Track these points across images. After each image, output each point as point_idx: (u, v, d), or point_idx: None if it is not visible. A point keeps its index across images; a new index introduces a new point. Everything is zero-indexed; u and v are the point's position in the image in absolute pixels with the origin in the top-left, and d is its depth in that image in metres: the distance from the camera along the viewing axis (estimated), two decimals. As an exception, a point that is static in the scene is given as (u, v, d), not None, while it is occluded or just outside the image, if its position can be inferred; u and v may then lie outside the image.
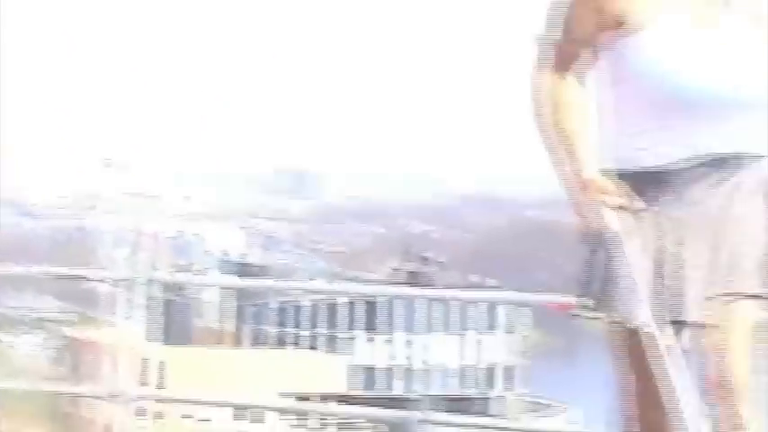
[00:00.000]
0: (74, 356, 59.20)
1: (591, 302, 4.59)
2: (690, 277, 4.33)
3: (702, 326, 4.30)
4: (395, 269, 72.10)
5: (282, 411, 47.75)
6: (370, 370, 63.53)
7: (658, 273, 4.38)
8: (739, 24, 4.39)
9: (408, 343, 62.17)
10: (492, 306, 57.78)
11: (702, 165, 4.37)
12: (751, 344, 4.34)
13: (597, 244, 4.50)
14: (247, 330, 65.60)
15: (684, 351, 4.30)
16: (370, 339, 64.06)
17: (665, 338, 4.28)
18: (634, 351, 4.46)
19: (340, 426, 50.47)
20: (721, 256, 4.35)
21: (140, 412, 33.55)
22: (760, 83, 4.36)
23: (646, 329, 4.31)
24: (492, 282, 66.25)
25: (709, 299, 4.28)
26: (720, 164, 4.37)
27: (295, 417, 49.48)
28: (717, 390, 4.30)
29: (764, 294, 4.34)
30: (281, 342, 64.55)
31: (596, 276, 4.61)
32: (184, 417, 50.00)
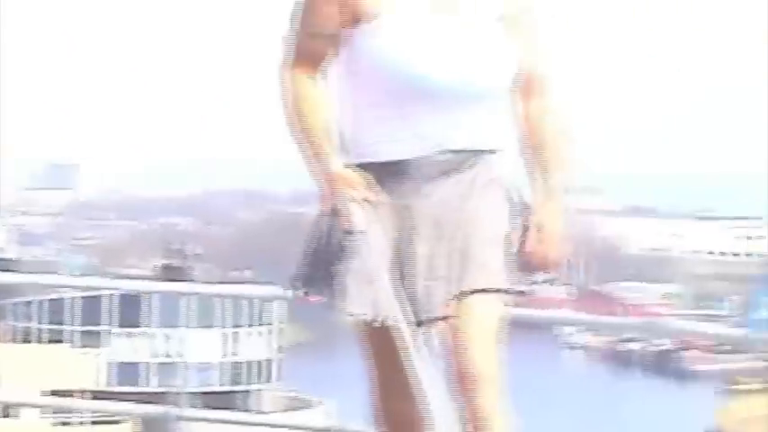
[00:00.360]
0: None
1: (303, 291, 4.48)
2: (430, 273, 4.26)
3: (444, 320, 4.18)
4: (155, 264, 72.94)
5: (36, 407, 47.23)
6: (129, 365, 63.39)
7: (400, 268, 4.28)
8: (479, 13, 4.32)
9: (167, 338, 62.54)
10: (251, 300, 58.52)
11: (440, 158, 4.32)
12: (497, 338, 4.23)
13: (329, 236, 4.42)
14: (5, 326, 64.37)
15: (431, 345, 4.24)
16: (130, 335, 64.01)
17: (409, 332, 4.18)
18: (379, 343, 4.37)
19: (96, 422, 50.58)
20: (457, 251, 4.28)
21: None
22: (496, 76, 4.32)
23: (389, 323, 4.21)
24: (250, 275, 68.54)
25: (449, 294, 4.19)
26: (458, 158, 4.33)
27: (52, 414, 49.29)
28: (460, 384, 4.18)
29: (506, 288, 4.26)
30: (40, 338, 63.73)
31: (324, 269, 4.52)
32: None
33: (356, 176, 4.23)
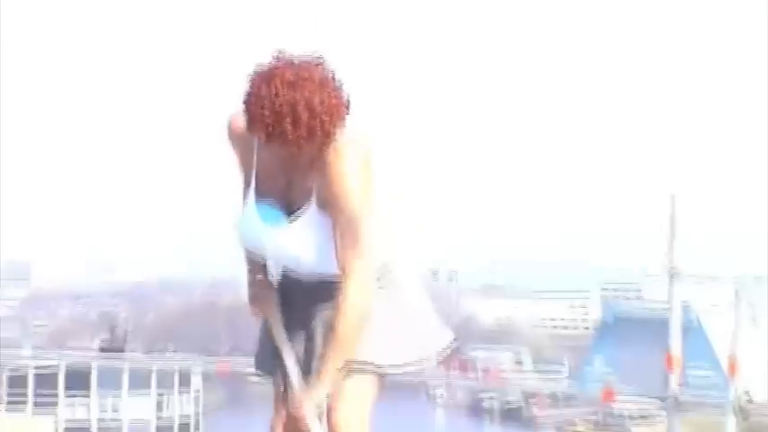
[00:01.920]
0: None
1: (260, 372, 4.81)
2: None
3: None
4: (94, 341, 78.73)
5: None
6: (77, 429, 66.11)
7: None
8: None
9: (104, 404, 66.18)
10: (177, 370, 62.96)
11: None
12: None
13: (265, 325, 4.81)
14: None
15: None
16: (73, 401, 67.12)
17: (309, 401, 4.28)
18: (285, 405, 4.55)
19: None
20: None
21: None
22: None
23: (295, 392, 4.45)
24: (173, 348, 74.68)
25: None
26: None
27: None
28: None
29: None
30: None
31: (264, 351, 4.85)
32: None
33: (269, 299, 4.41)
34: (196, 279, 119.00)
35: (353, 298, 4.25)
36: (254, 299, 4.47)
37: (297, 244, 4.53)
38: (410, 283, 4.44)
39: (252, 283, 4.45)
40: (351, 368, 4.52)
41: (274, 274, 4.83)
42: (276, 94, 3.87)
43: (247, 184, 4.37)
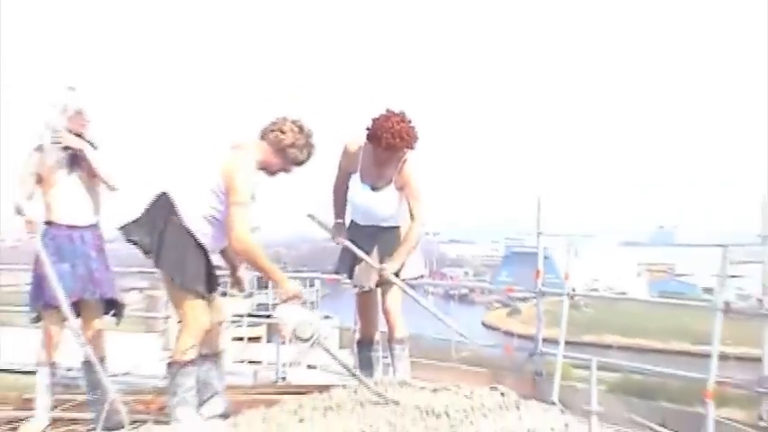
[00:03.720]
0: None
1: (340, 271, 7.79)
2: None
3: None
4: None
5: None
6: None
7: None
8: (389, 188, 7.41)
9: None
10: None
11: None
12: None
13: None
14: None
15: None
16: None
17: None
18: (362, 299, 7.74)
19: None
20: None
21: None
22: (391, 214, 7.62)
23: (366, 290, 7.56)
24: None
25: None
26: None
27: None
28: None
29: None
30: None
31: (343, 260, 7.80)
32: None
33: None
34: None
35: (416, 228, 7.19)
36: (337, 235, 7.50)
37: (379, 205, 7.40)
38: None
39: (335, 228, 7.52)
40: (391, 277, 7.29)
41: (362, 222, 7.57)
42: (392, 127, 6.91)
43: (344, 177, 7.44)
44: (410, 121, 7.00)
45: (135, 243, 6.41)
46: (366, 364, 7.66)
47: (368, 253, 7.40)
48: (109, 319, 7.39)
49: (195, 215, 6.33)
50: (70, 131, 6.97)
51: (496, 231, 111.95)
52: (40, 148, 6.90)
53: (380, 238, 7.44)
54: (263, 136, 6.57)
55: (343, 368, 6.84)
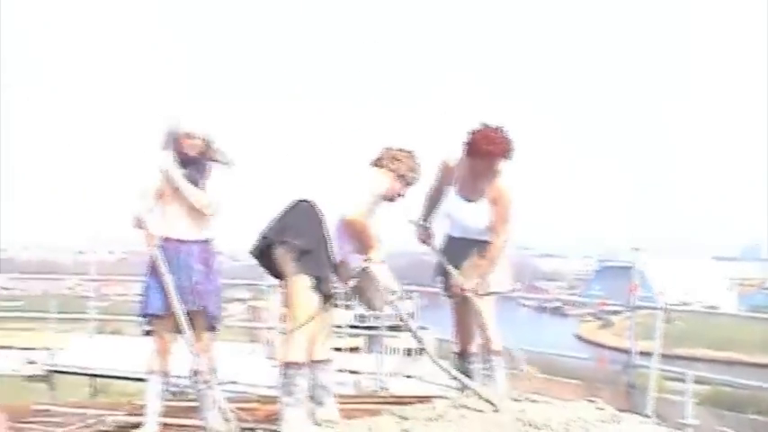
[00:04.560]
0: None
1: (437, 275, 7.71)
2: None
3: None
4: None
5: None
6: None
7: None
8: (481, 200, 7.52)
9: None
10: None
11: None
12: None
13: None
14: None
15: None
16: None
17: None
18: (458, 305, 7.68)
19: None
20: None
21: None
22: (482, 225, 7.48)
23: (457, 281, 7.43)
24: None
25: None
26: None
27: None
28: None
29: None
30: None
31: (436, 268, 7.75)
32: None
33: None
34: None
35: (497, 245, 7.28)
36: (424, 241, 7.66)
37: (473, 216, 7.45)
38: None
39: (420, 233, 7.66)
40: (487, 292, 7.34)
41: (457, 235, 7.66)
42: (487, 135, 7.12)
43: (438, 189, 7.57)
44: (506, 133, 7.09)
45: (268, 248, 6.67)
46: (466, 375, 7.49)
47: (458, 266, 7.44)
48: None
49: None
50: (184, 156, 7.04)
51: (588, 246, 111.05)
52: (164, 168, 7.05)
53: (473, 251, 7.46)
54: (380, 165, 6.84)
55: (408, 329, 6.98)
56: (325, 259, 6.50)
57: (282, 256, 6.51)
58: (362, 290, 6.64)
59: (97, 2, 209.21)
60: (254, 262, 6.84)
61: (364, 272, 6.56)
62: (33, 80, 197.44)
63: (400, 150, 6.79)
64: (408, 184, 6.84)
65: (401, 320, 6.80)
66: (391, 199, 6.82)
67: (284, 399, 6.49)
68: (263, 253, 6.70)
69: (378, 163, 6.81)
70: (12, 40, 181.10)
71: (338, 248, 6.58)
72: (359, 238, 6.47)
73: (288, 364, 6.48)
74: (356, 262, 6.59)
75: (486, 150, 7.03)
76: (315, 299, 6.50)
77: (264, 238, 6.64)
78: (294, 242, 6.42)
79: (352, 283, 6.65)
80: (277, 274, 6.71)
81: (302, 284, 6.46)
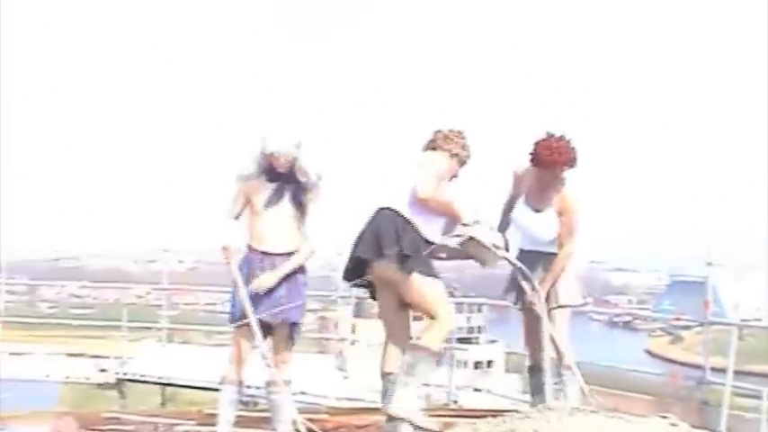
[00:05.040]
0: None
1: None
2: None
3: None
4: None
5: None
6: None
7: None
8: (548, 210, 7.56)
9: None
10: None
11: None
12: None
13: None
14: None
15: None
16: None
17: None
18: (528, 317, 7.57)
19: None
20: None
21: None
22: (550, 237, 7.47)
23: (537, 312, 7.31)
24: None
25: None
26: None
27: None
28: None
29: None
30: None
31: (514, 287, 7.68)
32: None
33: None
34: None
35: (562, 258, 7.40)
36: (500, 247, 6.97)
37: (541, 226, 7.55)
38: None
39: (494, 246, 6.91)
40: (560, 305, 7.43)
41: (526, 247, 7.71)
42: (551, 145, 7.21)
43: (511, 201, 7.59)
44: (569, 142, 7.17)
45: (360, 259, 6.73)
46: (537, 390, 7.56)
47: (529, 280, 7.41)
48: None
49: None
50: (273, 170, 7.17)
51: (659, 260, 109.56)
52: (248, 177, 7.17)
53: (542, 264, 7.49)
54: (434, 147, 6.91)
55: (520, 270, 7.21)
56: (426, 258, 6.58)
57: (385, 268, 6.57)
58: (473, 255, 6.77)
59: (97, 2, 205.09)
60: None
61: (467, 238, 6.67)
62: (33, 80, 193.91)
63: (450, 131, 6.89)
64: (462, 162, 6.90)
65: (512, 265, 7.07)
66: (450, 179, 6.85)
67: (402, 378, 6.50)
68: (357, 274, 6.82)
69: (431, 145, 6.89)
70: (12, 40, 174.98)
71: (430, 234, 6.63)
72: (442, 211, 6.59)
73: (421, 348, 6.54)
74: (450, 239, 6.69)
75: (549, 160, 7.12)
76: (440, 285, 6.64)
77: (359, 257, 6.71)
78: (392, 252, 6.48)
79: (461, 253, 6.75)
80: (373, 292, 6.88)
81: (421, 280, 6.53)
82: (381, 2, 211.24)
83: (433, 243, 6.60)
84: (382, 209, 6.62)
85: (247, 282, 7.08)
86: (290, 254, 7.22)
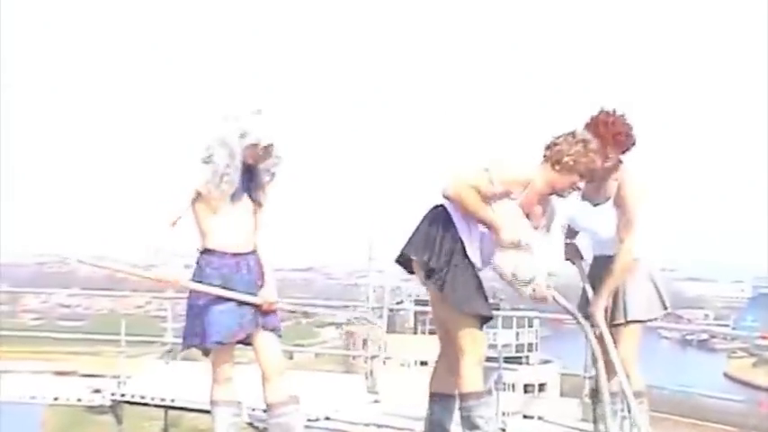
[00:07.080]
0: None
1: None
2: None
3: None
4: None
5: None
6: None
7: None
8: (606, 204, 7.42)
9: None
10: None
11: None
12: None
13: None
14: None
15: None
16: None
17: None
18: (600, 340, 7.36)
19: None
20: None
21: None
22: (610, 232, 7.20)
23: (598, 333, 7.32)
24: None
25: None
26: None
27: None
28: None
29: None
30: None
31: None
32: None
33: None
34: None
35: (623, 259, 7.16)
36: (570, 260, 7.68)
37: (601, 223, 7.43)
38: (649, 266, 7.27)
39: (567, 250, 7.64)
40: (624, 320, 7.40)
41: (596, 252, 7.68)
42: (629, 126, 7.17)
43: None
44: (625, 120, 7.08)
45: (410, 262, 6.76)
46: (601, 418, 7.47)
47: (596, 288, 7.31)
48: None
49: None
50: (243, 161, 6.96)
51: (741, 269, 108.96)
52: (207, 162, 6.88)
53: (607, 269, 7.31)
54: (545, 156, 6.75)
55: (572, 315, 7.16)
56: (477, 285, 6.62)
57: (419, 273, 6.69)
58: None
59: (97, 2, 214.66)
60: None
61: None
62: (33, 80, 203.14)
63: (568, 134, 6.74)
64: (581, 173, 6.69)
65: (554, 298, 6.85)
66: (561, 194, 6.74)
67: None
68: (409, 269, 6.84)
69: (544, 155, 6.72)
70: (12, 40, 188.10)
71: (471, 250, 6.56)
72: (473, 213, 6.48)
73: (466, 396, 6.59)
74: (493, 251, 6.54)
75: (630, 137, 7.08)
76: (479, 329, 6.66)
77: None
78: (422, 260, 6.57)
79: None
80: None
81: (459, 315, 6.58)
82: (381, 2, 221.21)
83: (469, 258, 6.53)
84: (444, 216, 6.60)
85: (232, 290, 6.96)
86: (253, 252, 7.11)
